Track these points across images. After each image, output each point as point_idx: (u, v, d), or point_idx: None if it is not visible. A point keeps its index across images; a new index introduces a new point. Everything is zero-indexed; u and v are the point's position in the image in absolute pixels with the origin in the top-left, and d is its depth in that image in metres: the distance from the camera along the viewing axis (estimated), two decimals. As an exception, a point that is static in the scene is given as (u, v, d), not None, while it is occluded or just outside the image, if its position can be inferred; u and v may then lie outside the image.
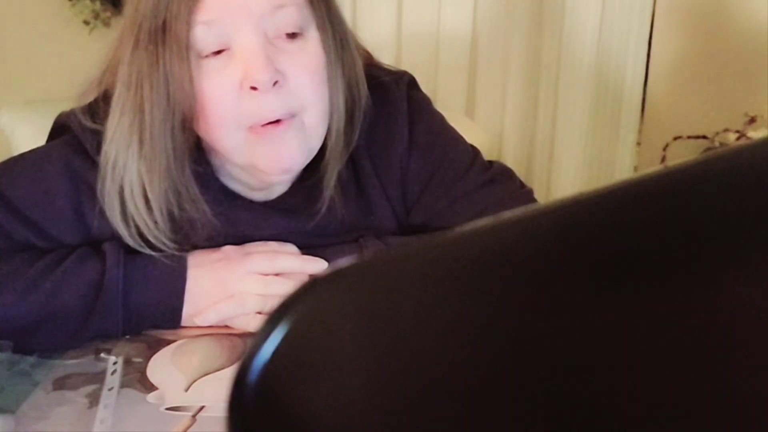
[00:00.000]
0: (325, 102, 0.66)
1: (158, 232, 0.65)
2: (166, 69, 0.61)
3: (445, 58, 1.81)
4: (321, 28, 0.65)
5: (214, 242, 0.68)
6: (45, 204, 0.66)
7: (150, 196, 0.64)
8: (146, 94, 0.62)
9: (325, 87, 0.65)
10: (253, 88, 0.61)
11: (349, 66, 0.69)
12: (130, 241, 0.65)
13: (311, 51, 0.64)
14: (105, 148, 0.64)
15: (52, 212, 0.66)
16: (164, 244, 0.65)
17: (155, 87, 0.62)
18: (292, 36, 0.63)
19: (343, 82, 0.67)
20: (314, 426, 0.20)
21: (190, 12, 0.60)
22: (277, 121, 0.63)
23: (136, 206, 0.64)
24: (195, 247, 0.68)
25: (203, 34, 0.61)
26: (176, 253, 0.67)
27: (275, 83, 0.61)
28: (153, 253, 0.65)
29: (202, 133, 0.65)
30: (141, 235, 0.65)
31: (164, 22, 0.60)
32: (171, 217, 0.66)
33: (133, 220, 0.65)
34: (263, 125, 0.63)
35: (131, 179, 0.64)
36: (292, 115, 0.64)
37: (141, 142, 0.63)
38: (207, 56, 0.62)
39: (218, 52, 0.62)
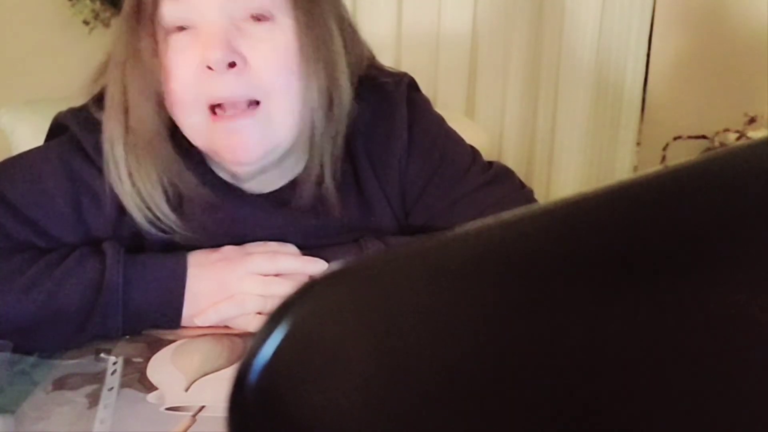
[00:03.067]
0: (293, 93, 0.64)
1: (161, 207, 0.66)
2: (140, 44, 0.63)
3: (445, 59, 1.81)
4: (295, 17, 0.64)
5: (205, 227, 0.68)
6: (44, 203, 0.66)
7: (142, 169, 0.65)
8: (127, 72, 0.63)
9: (294, 76, 0.64)
10: (210, 68, 0.61)
11: (330, 60, 0.66)
12: (138, 215, 0.65)
13: (280, 37, 0.63)
14: (103, 126, 0.65)
15: (51, 211, 0.66)
16: (167, 218, 0.66)
17: (134, 63, 0.63)
18: (259, 19, 0.63)
19: (323, 80, 0.65)
20: (314, 426, 0.20)
21: None
22: (241, 112, 0.63)
23: (138, 179, 0.65)
24: (193, 228, 0.68)
25: (170, 11, 0.62)
26: (176, 252, 0.67)
27: (233, 65, 0.61)
28: (157, 231, 0.66)
29: (171, 114, 0.65)
30: (151, 211, 0.66)
31: (139, 0, 0.63)
32: (168, 194, 0.66)
33: (141, 196, 0.65)
34: (223, 112, 0.63)
35: (125, 154, 0.65)
36: (255, 103, 0.64)
37: (126, 119, 0.64)
38: (174, 33, 0.63)
39: (184, 29, 0.63)
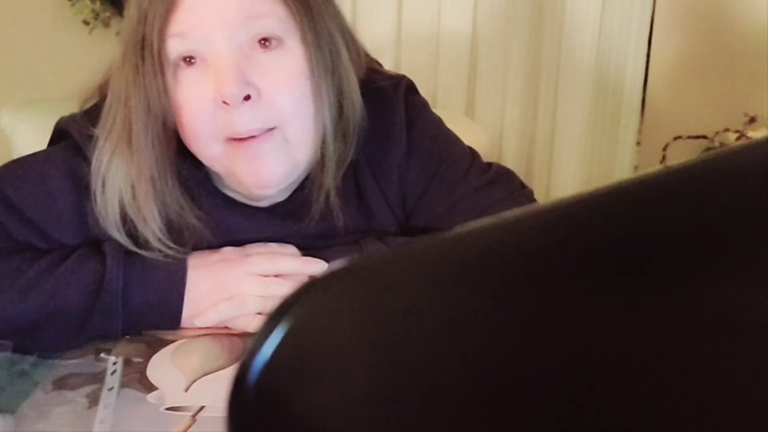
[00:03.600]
0: (308, 115, 0.64)
1: (154, 237, 0.65)
2: (145, 81, 0.61)
3: (445, 59, 1.81)
4: (303, 39, 0.63)
5: (212, 246, 0.68)
6: (47, 206, 0.66)
7: (141, 204, 0.64)
8: (132, 106, 0.62)
9: (307, 100, 0.64)
10: (225, 103, 0.61)
11: (340, 78, 0.67)
12: (127, 244, 0.65)
13: (290, 63, 0.63)
14: (96, 155, 0.64)
15: (54, 214, 0.66)
16: (161, 246, 0.65)
17: (138, 99, 0.62)
18: (268, 45, 0.62)
19: (333, 94, 0.66)
20: (314, 426, 0.20)
21: (163, 24, 0.60)
22: (255, 136, 0.63)
23: (133, 210, 0.64)
24: (194, 248, 0.68)
25: (176, 46, 0.61)
26: (176, 254, 0.67)
27: (248, 98, 0.61)
28: (151, 254, 0.65)
29: (186, 144, 0.65)
30: (135, 239, 0.65)
31: (143, 36, 0.61)
32: (167, 224, 0.66)
33: (131, 225, 0.65)
34: (241, 139, 0.63)
35: (121, 188, 0.64)
36: (271, 129, 0.63)
37: (129, 150, 0.63)
38: (182, 67, 0.62)
39: (192, 62, 0.62)
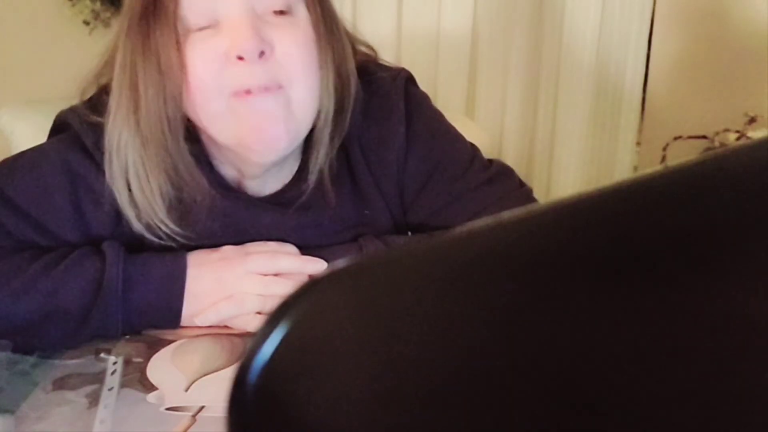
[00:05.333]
0: (314, 79, 0.66)
1: (161, 215, 0.65)
2: (157, 43, 0.62)
3: (445, 58, 1.81)
4: (310, 8, 0.66)
5: (211, 233, 0.68)
6: (44, 201, 0.66)
7: (149, 175, 0.64)
8: (139, 71, 0.63)
9: (314, 64, 0.65)
10: (240, 58, 0.62)
11: (339, 51, 0.69)
12: (136, 225, 0.65)
13: (300, 27, 0.65)
14: (108, 129, 0.65)
15: (51, 209, 0.66)
16: (167, 227, 0.66)
17: (147, 63, 0.62)
18: (280, 13, 0.64)
19: (333, 65, 0.67)
20: (314, 426, 0.20)
21: None
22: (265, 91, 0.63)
23: (140, 187, 0.65)
24: (197, 234, 0.68)
25: (191, 9, 0.62)
26: (176, 252, 0.67)
27: (262, 54, 0.62)
28: (157, 239, 0.66)
29: (189, 108, 0.65)
30: (151, 220, 0.65)
31: (155, 3, 0.62)
32: (171, 202, 0.66)
33: (138, 199, 0.65)
34: (246, 95, 0.63)
35: (133, 159, 0.64)
36: (278, 87, 0.64)
37: (137, 120, 0.64)
38: (195, 30, 0.63)
39: (205, 27, 0.63)
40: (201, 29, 0.63)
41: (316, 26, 0.66)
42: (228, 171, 0.71)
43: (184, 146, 0.65)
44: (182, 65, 0.62)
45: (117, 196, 0.65)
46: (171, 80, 0.63)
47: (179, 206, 0.67)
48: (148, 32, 0.62)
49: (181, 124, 0.65)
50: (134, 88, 0.63)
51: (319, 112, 0.67)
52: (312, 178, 0.70)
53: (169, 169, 0.65)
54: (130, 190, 0.65)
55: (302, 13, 0.65)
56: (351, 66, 0.70)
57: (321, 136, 0.68)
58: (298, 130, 0.67)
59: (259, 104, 0.63)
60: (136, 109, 0.63)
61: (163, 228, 0.66)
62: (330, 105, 0.67)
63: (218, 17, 0.62)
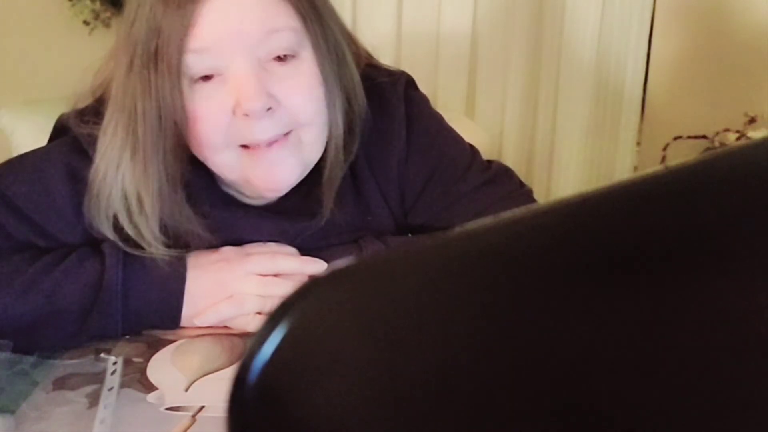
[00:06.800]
0: (323, 118, 0.65)
1: (153, 242, 0.65)
2: (158, 94, 0.61)
3: (445, 58, 1.81)
4: (316, 47, 0.64)
5: (209, 243, 0.68)
6: (45, 203, 0.66)
7: (148, 214, 0.64)
8: (139, 117, 0.62)
9: (322, 104, 0.65)
10: (246, 115, 0.61)
11: (348, 80, 0.68)
12: (123, 245, 0.65)
13: (306, 71, 0.64)
14: (96, 163, 0.64)
15: (52, 211, 0.66)
16: (161, 245, 0.65)
17: (147, 110, 0.61)
18: (285, 58, 0.63)
19: (341, 95, 0.67)
20: (314, 426, 0.20)
21: (181, 39, 0.59)
22: (275, 142, 0.63)
23: (129, 220, 0.64)
24: (195, 246, 0.68)
25: (195, 61, 0.60)
26: (176, 253, 0.67)
27: (268, 109, 0.61)
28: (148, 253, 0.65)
29: (195, 152, 0.65)
30: (133, 242, 0.65)
31: (156, 48, 0.60)
32: (166, 230, 0.66)
33: (127, 230, 0.64)
34: (256, 146, 0.63)
35: (126, 193, 0.64)
36: (287, 132, 0.64)
37: (134, 162, 0.63)
38: (199, 81, 0.61)
39: (210, 77, 0.61)
40: (204, 78, 0.61)
41: (322, 66, 0.64)
42: (230, 190, 0.71)
43: (181, 195, 0.65)
44: (185, 115, 0.62)
45: (96, 224, 0.64)
46: (172, 133, 0.62)
47: (175, 233, 0.66)
48: (149, 79, 0.61)
49: (179, 174, 0.64)
50: (132, 132, 0.62)
51: (329, 141, 0.67)
52: (327, 201, 0.69)
53: (164, 211, 0.64)
54: (115, 221, 0.64)
55: (307, 54, 0.64)
56: (359, 90, 0.70)
57: (334, 162, 0.68)
58: (308, 164, 0.67)
59: (271, 156, 0.64)
60: (132, 153, 0.63)
61: (160, 249, 0.65)
62: (340, 133, 0.68)
63: (222, 69, 0.61)
